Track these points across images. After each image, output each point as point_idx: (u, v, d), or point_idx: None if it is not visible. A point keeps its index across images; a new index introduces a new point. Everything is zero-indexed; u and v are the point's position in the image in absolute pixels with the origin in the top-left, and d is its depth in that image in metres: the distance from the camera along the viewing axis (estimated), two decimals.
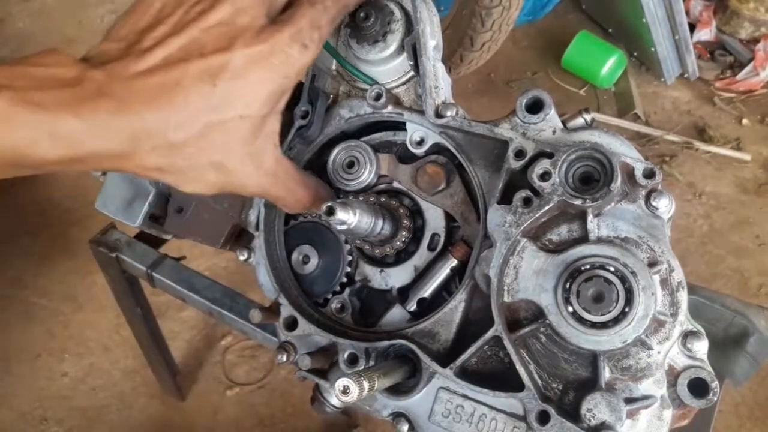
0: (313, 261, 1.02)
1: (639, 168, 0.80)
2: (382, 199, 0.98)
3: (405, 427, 0.86)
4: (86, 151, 0.64)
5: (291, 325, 0.96)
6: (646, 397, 0.77)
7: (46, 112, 0.61)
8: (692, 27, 3.69)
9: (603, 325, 0.75)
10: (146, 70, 0.68)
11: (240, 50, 0.71)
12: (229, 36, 0.72)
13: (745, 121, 3.50)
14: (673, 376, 0.78)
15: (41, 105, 0.61)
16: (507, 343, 0.81)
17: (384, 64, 0.97)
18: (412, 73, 0.98)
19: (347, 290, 1.00)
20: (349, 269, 1.00)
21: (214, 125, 0.70)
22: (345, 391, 0.69)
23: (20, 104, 0.60)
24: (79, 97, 0.64)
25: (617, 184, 0.77)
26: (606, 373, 0.77)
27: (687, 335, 0.78)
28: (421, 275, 0.97)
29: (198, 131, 0.69)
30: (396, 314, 0.95)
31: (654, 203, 0.79)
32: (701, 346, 0.78)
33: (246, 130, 0.73)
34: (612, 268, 0.76)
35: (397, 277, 0.98)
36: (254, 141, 0.75)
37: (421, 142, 0.96)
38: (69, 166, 0.66)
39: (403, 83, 0.99)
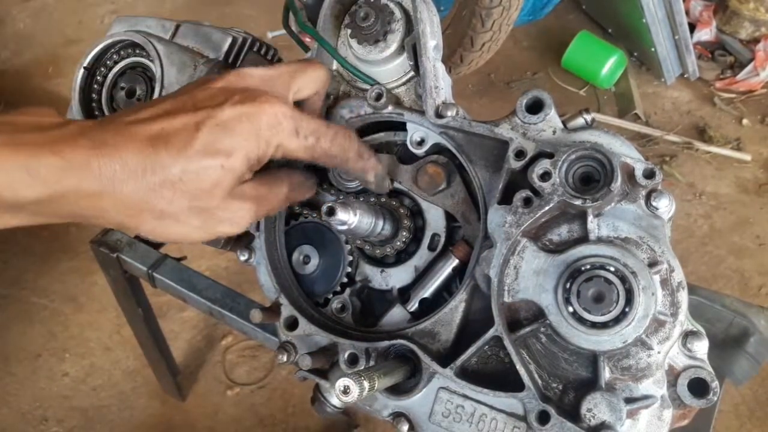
0: (314, 261, 1.02)
1: (639, 168, 0.80)
2: (383, 200, 0.98)
3: (405, 427, 0.86)
4: (64, 189, 0.64)
5: (291, 325, 0.96)
6: (646, 397, 0.77)
7: (24, 153, 0.62)
8: (692, 27, 3.68)
9: (603, 325, 0.75)
10: (134, 120, 0.70)
11: (230, 106, 0.72)
12: (226, 94, 0.74)
13: (745, 121, 3.50)
14: (673, 376, 0.78)
15: (20, 146, 0.62)
16: (507, 343, 0.81)
17: (384, 64, 0.98)
18: (412, 73, 0.98)
19: (348, 290, 1.00)
20: (349, 269, 1.00)
21: (194, 170, 0.70)
22: (345, 391, 0.69)
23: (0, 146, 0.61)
24: (60, 137, 0.65)
25: (617, 185, 0.77)
26: (606, 373, 0.77)
27: (687, 335, 0.78)
28: (422, 275, 0.97)
29: (177, 175, 0.69)
30: (396, 314, 0.95)
31: (654, 203, 0.79)
32: (701, 346, 0.78)
33: (226, 181, 0.73)
34: (612, 268, 0.76)
35: (398, 277, 0.99)
36: (236, 193, 0.76)
37: (421, 143, 0.96)
38: (47, 207, 0.66)
39: (404, 83, 0.99)
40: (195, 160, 0.70)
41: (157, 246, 1.81)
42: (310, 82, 0.85)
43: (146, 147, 0.68)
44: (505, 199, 0.85)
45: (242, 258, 1.03)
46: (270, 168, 0.82)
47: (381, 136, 1.02)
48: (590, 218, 0.80)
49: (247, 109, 0.73)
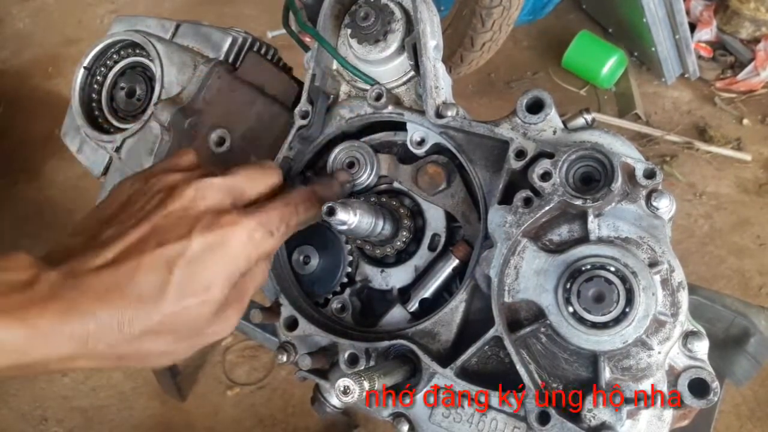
0: (314, 261, 1.02)
1: (639, 168, 0.80)
2: (383, 200, 0.98)
3: (405, 428, 0.86)
4: (32, 359, 0.62)
5: (291, 325, 0.96)
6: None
7: None
8: (693, 27, 3.68)
9: (604, 326, 0.75)
10: (102, 264, 0.66)
11: (198, 237, 0.69)
12: (189, 221, 0.71)
13: (745, 121, 3.50)
14: (673, 376, 0.78)
15: None
16: (507, 343, 0.81)
17: (384, 64, 0.97)
18: (412, 73, 0.98)
19: (348, 290, 1.00)
20: (349, 269, 1.00)
21: (174, 314, 0.68)
22: (345, 391, 0.69)
23: None
24: (28, 302, 0.61)
25: (618, 185, 0.77)
26: (606, 374, 0.77)
27: (688, 335, 0.78)
28: (422, 275, 0.97)
29: (157, 321, 0.67)
30: (396, 314, 0.95)
31: (655, 203, 0.79)
32: (702, 347, 0.78)
33: (209, 312, 0.71)
34: (613, 269, 0.75)
35: (398, 277, 0.98)
36: (220, 314, 0.74)
37: (421, 143, 0.96)
38: (15, 373, 0.63)
39: (404, 83, 0.99)
40: (173, 304, 0.67)
41: None
42: (266, 185, 0.84)
43: (119, 300, 0.65)
44: (506, 199, 0.85)
45: None
46: None
47: (381, 136, 1.02)
48: (591, 218, 0.80)
49: (216, 237, 0.70)
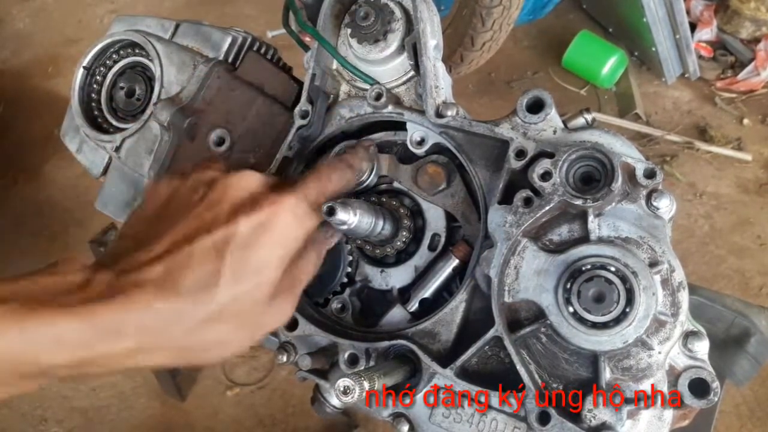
0: None
1: (640, 168, 0.80)
2: (383, 199, 0.98)
3: (405, 428, 0.86)
4: (95, 354, 0.62)
5: (291, 325, 0.96)
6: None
7: (49, 320, 0.60)
8: (693, 26, 3.68)
9: (604, 326, 0.75)
10: (154, 258, 0.67)
11: (244, 220, 0.70)
12: (233, 208, 0.72)
13: (746, 121, 3.50)
14: (674, 376, 0.78)
15: (44, 313, 0.60)
16: (507, 343, 0.81)
17: (384, 64, 0.97)
18: (412, 72, 0.98)
19: (348, 290, 1.00)
20: (349, 269, 1.00)
21: (230, 300, 0.68)
22: (345, 391, 0.69)
23: (21, 315, 0.59)
24: (86, 299, 0.62)
25: (618, 184, 0.77)
26: (607, 374, 0.77)
27: (688, 335, 0.78)
28: (422, 275, 0.97)
29: (214, 309, 0.67)
30: (396, 314, 0.95)
31: (655, 203, 0.79)
32: (702, 347, 0.78)
33: (263, 296, 0.72)
34: (613, 269, 0.75)
35: (398, 277, 0.98)
36: (274, 302, 0.74)
37: (421, 142, 0.96)
38: (80, 370, 0.64)
39: (404, 83, 0.99)
40: (228, 289, 0.68)
41: None
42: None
43: (174, 292, 0.65)
44: (506, 199, 0.84)
45: None
46: None
47: (381, 136, 1.01)
48: (591, 218, 0.80)
49: (261, 218, 0.71)
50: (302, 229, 0.76)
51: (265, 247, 0.71)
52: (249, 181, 0.76)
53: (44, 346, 0.60)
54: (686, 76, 3.69)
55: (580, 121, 0.88)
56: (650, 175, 0.80)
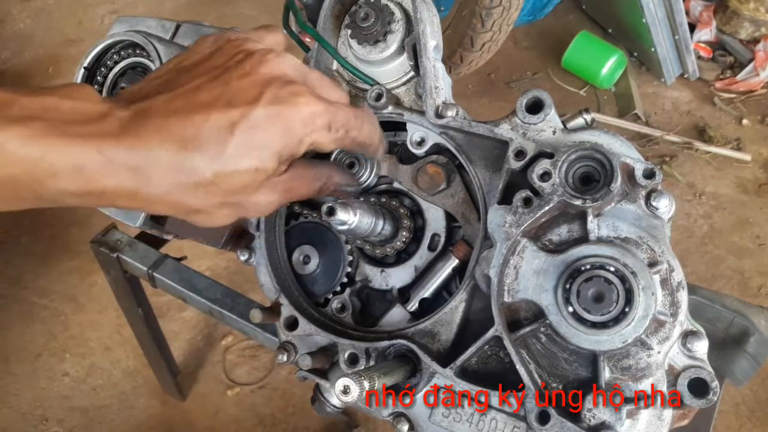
0: (314, 261, 1.02)
1: (639, 168, 0.80)
2: (383, 200, 0.98)
3: (405, 427, 0.86)
4: (98, 187, 0.65)
5: (291, 325, 0.96)
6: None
7: (72, 146, 0.63)
8: (692, 27, 3.68)
9: (603, 325, 0.75)
10: (172, 110, 0.69)
11: (265, 104, 0.71)
12: (260, 86, 0.73)
13: (745, 121, 3.50)
14: (673, 376, 0.78)
15: (69, 138, 0.63)
16: (507, 343, 0.81)
17: (384, 65, 0.98)
18: (412, 73, 0.98)
19: (348, 290, 1.00)
20: (349, 269, 1.00)
21: (227, 174, 0.70)
22: (345, 391, 0.69)
23: (49, 136, 0.62)
24: (106, 132, 0.65)
25: (617, 185, 0.77)
26: (606, 373, 0.77)
27: (687, 335, 0.78)
28: (422, 275, 0.97)
29: (210, 177, 0.70)
30: (396, 314, 0.95)
31: (654, 203, 0.79)
32: (701, 346, 0.78)
33: (258, 180, 0.74)
34: (612, 268, 0.76)
35: (398, 277, 0.99)
36: (266, 184, 0.76)
37: (421, 143, 0.96)
38: (86, 201, 0.67)
39: (404, 83, 0.99)
40: (229, 164, 0.70)
41: (157, 246, 1.81)
42: (338, 96, 0.84)
43: (183, 148, 0.68)
44: (505, 199, 0.85)
45: (242, 258, 1.03)
46: (307, 159, 0.82)
47: None
48: (590, 218, 0.80)
49: (282, 108, 0.72)
50: (310, 135, 0.75)
51: (272, 135, 0.72)
52: (287, 66, 0.76)
53: (62, 171, 0.63)
54: (685, 76, 3.69)
55: (579, 121, 0.89)
56: (649, 175, 0.80)
